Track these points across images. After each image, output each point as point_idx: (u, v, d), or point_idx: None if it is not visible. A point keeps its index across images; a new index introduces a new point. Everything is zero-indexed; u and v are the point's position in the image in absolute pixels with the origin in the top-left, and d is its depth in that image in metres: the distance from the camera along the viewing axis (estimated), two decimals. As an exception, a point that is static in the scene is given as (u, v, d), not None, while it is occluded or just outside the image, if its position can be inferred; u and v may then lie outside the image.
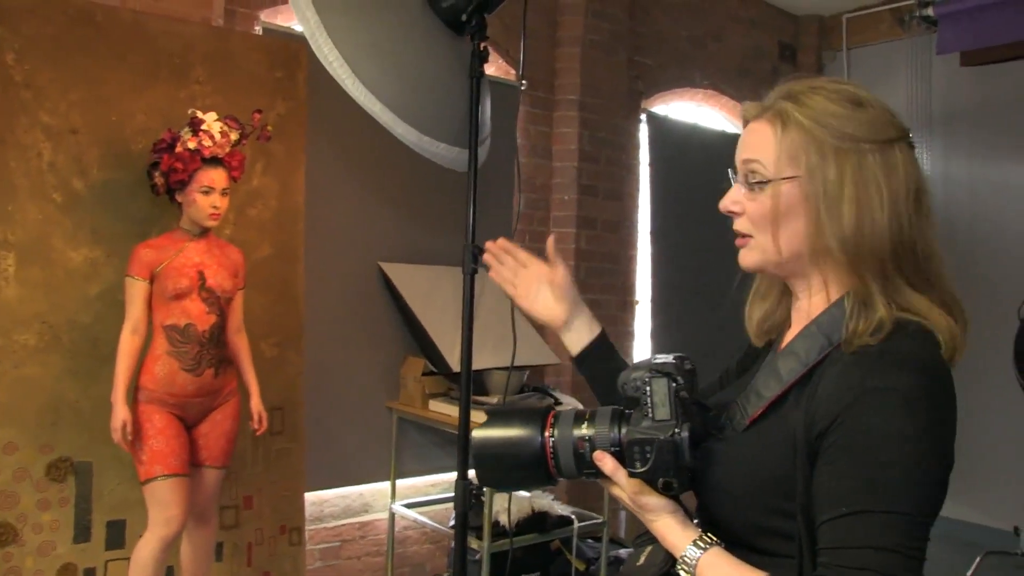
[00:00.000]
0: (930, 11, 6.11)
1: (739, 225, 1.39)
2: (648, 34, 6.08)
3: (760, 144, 1.34)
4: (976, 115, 6.46)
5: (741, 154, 1.37)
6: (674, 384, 1.28)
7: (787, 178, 1.31)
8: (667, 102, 6.44)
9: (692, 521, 1.34)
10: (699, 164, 6.07)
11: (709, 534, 1.30)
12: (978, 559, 5.44)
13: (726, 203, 1.40)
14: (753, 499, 1.29)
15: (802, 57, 7.29)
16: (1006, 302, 5.39)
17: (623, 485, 1.32)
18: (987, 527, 6.01)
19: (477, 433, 1.39)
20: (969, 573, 5.36)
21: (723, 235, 1.47)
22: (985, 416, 5.59)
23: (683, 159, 6.15)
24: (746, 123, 1.40)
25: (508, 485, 1.46)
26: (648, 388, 1.29)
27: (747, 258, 1.39)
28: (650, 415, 1.29)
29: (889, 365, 1.19)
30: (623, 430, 1.31)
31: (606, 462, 1.31)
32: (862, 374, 1.20)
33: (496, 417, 1.40)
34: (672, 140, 6.19)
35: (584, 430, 1.34)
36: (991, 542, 5.76)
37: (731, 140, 6.46)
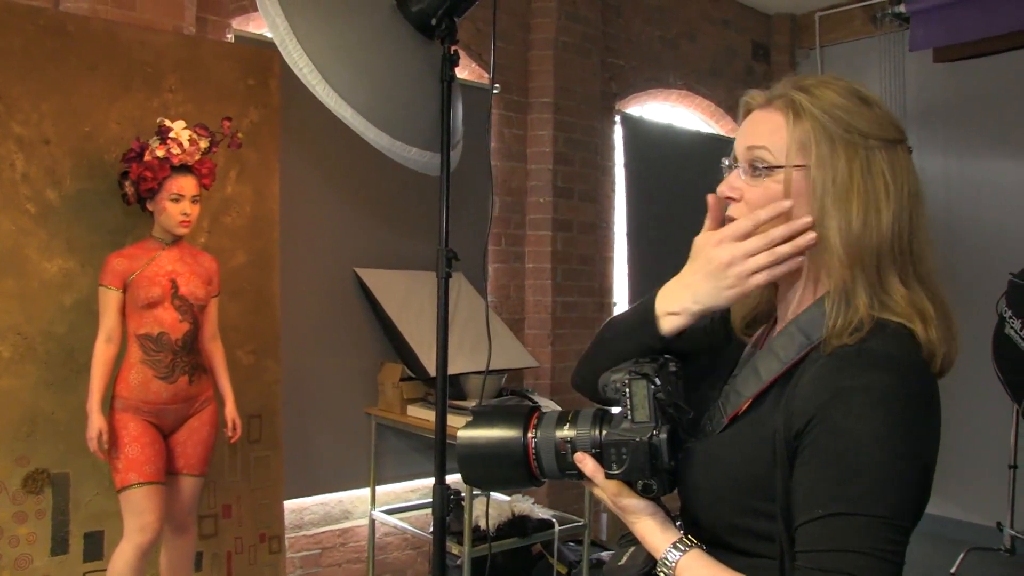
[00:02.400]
0: (902, 8, 6.16)
1: (733, 211, 1.37)
2: (621, 36, 6.10)
3: (769, 132, 1.33)
4: (950, 111, 6.50)
5: (745, 141, 1.35)
6: (652, 386, 1.28)
7: (797, 166, 1.30)
8: (641, 103, 6.46)
9: (675, 523, 1.34)
10: (674, 164, 6.10)
11: (689, 536, 1.29)
12: (961, 555, 5.46)
13: (723, 188, 1.38)
14: (731, 499, 1.28)
15: (775, 56, 7.33)
16: (984, 297, 5.42)
17: (602, 487, 1.32)
18: (970, 523, 6.05)
19: (461, 433, 1.39)
20: (953, 569, 5.39)
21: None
22: (966, 412, 5.60)
23: (658, 160, 6.17)
24: (748, 112, 1.39)
25: (492, 485, 1.46)
26: (627, 390, 1.29)
27: None
28: (630, 417, 1.28)
29: (865, 365, 1.18)
30: (603, 432, 1.31)
31: (586, 464, 1.31)
32: (838, 374, 1.19)
33: (480, 417, 1.40)
34: (647, 141, 6.20)
35: (566, 431, 1.34)
36: (974, 538, 5.79)
37: (706, 140, 6.53)
